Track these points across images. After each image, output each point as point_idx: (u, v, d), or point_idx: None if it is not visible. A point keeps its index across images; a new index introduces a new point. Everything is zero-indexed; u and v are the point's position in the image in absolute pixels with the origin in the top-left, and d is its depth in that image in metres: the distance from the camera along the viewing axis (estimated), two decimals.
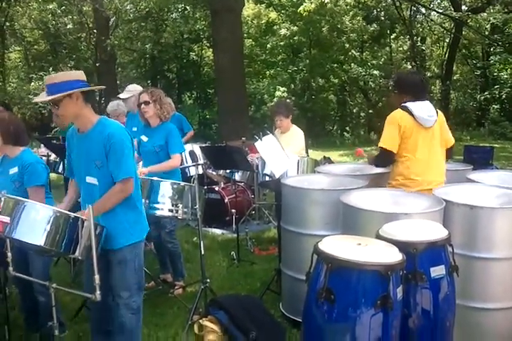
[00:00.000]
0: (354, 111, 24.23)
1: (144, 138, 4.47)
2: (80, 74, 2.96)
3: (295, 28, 20.54)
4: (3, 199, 2.77)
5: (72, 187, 3.23)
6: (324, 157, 8.22)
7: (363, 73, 20.18)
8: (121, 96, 5.75)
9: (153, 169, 4.17)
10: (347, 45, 21.64)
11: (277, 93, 21.64)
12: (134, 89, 5.73)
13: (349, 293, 2.37)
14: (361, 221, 3.18)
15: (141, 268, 3.15)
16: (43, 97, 2.90)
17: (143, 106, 4.36)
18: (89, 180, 2.99)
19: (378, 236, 2.70)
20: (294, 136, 5.54)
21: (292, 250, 3.81)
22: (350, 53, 21.66)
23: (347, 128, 23.25)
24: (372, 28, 21.69)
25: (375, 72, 20.40)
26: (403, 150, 3.78)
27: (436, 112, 3.79)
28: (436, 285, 2.63)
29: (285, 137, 5.47)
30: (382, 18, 21.58)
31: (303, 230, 3.69)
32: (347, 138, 20.90)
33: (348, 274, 2.37)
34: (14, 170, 3.43)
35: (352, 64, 21.03)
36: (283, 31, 20.79)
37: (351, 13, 20.84)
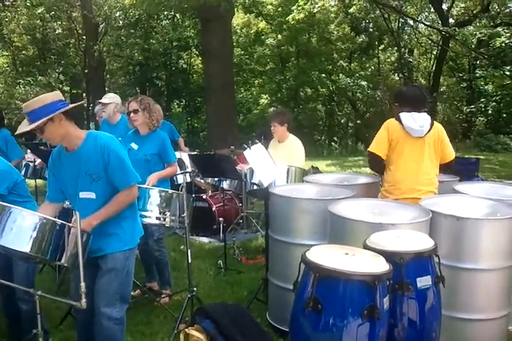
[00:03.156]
0: (342, 121, 24.38)
1: (134, 146, 4.45)
2: (55, 95, 2.90)
3: (283, 38, 20.70)
4: None
5: (45, 210, 3.05)
6: (312, 166, 8.25)
7: (351, 84, 20.36)
8: (102, 101, 5.77)
9: (161, 175, 4.24)
10: (335, 55, 21.84)
11: (261, 101, 21.78)
12: (114, 96, 5.79)
13: (336, 302, 2.38)
14: (349, 231, 3.19)
15: (129, 278, 3.12)
16: (25, 126, 2.83)
17: (132, 114, 4.36)
18: (84, 195, 2.96)
19: (365, 246, 2.72)
20: (294, 147, 5.50)
21: (280, 259, 3.81)
22: (338, 63, 21.85)
23: (335, 138, 23.38)
24: (360, 39, 21.92)
25: (363, 82, 20.61)
26: (390, 158, 3.89)
27: (432, 125, 3.84)
28: (423, 295, 2.65)
29: (282, 147, 5.49)
30: (371, 30, 21.83)
31: (291, 239, 3.69)
32: (335, 148, 21.01)
33: (336, 284, 2.38)
34: None
35: (340, 74, 21.20)
36: (271, 40, 20.95)
37: (337, 20, 21.04)
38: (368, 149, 3.97)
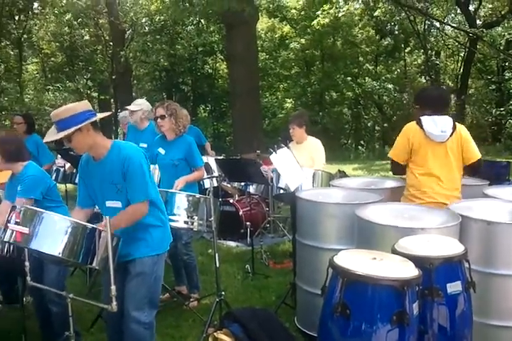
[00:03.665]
0: (369, 124, 24.23)
1: (162, 151, 4.50)
2: (84, 105, 2.94)
3: (307, 41, 20.69)
4: (22, 210, 2.81)
5: (77, 215, 3.10)
6: (339, 170, 8.21)
7: (377, 87, 20.22)
8: (129, 107, 5.72)
9: (188, 179, 4.28)
10: (361, 59, 21.73)
11: (286, 105, 21.77)
12: (142, 103, 5.76)
13: (365, 307, 2.37)
14: (377, 235, 3.16)
15: (158, 284, 3.15)
16: (54, 135, 2.88)
17: (159, 120, 4.40)
18: (110, 204, 3.01)
19: (394, 251, 2.69)
20: (314, 148, 5.56)
21: (307, 264, 3.81)
22: (364, 67, 21.73)
23: (361, 141, 23.23)
24: (386, 42, 21.77)
25: (390, 85, 20.44)
26: (413, 163, 3.82)
27: (454, 128, 3.77)
28: (453, 301, 2.61)
29: (301, 148, 5.52)
30: (396, 32, 21.66)
31: (318, 244, 3.68)
32: (361, 151, 20.88)
33: (364, 289, 2.36)
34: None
35: (366, 77, 21.08)
36: (295, 44, 20.96)
37: (361, 23, 20.94)
38: (389, 155, 3.97)
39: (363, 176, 10.16)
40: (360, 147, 22.27)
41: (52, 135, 2.91)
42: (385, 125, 22.36)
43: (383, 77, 21.20)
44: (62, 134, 2.81)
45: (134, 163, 2.91)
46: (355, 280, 2.37)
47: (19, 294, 3.63)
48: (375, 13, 18.97)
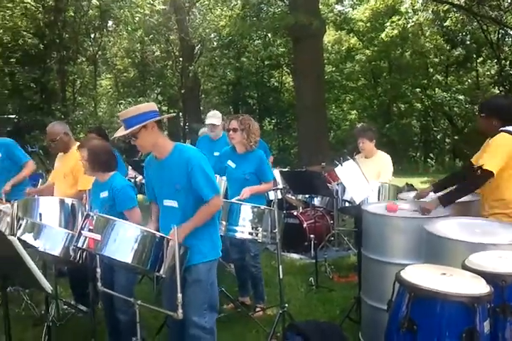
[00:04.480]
0: (438, 137, 23.52)
1: (232, 164, 4.51)
2: (150, 105, 3.16)
3: (373, 53, 20.48)
4: (95, 217, 2.94)
5: (154, 208, 3.36)
6: (407, 184, 8.03)
7: (448, 98, 19.66)
8: (213, 122, 5.83)
9: (253, 191, 4.29)
10: (430, 70, 21.22)
11: (350, 116, 21.53)
12: (220, 115, 5.90)
13: (433, 324, 2.30)
14: (446, 250, 3.06)
15: (214, 288, 3.21)
16: (121, 132, 3.09)
17: (231, 132, 4.42)
18: (168, 203, 3.14)
19: (464, 267, 2.60)
20: (383, 163, 5.45)
21: (373, 278, 3.73)
22: (433, 78, 21.21)
23: (431, 154, 22.59)
24: (457, 52, 21.17)
25: (461, 96, 19.83)
26: (503, 177, 3.62)
27: None
28: None
29: (370, 162, 5.41)
30: (468, 42, 21.03)
31: (384, 258, 3.60)
32: (431, 164, 20.30)
33: (432, 304, 2.30)
34: (104, 194, 3.62)
35: (436, 89, 20.55)
36: (361, 56, 20.78)
37: (427, 32, 20.46)
38: (485, 167, 3.57)
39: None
40: (429, 160, 21.65)
41: (120, 132, 3.11)
42: (456, 137, 21.64)
43: (454, 88, 20.60)
44: (129, 130, 3.01)
45: (197, 163, 3.04)
46: (424, 295, 2.31)
47: (90, 300, 3.77)
48: (446, 23, 18.52)
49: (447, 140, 23.34)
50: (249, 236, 3.94)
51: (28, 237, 3.45)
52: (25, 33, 18.52)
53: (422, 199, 4.14)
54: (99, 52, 20.72)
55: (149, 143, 3.10)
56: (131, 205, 3.61)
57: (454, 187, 3.93)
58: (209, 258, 3.15)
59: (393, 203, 3.77)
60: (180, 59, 21.37)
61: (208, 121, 5.87)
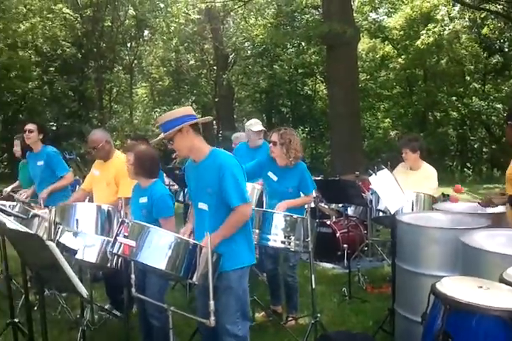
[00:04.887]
0: (475, 146, 23.03)
1: (273, 177, 4.44)
2: (186, 110, 3.22)
3: (408, 61, 20.25)
4: (130, 224, 2.99)
5: (192, 209, 3.42)
6: (443, 194, 7.87)
7: (485, 107, 19.27)
8: (253, 128, 5.87)
9: (290, 204, 4.24)
10: (467, 78, 20.85)
11: (383, 124, 21.30)
12: (260, 122, 5.96)
13: (469, 338, 2.25)
14: (483, 263, 2.99)
15: (245, 296, 3.22)
16: (158, 136, 3.18)
17: (271, 144, 4.40)
18: (201, 206, 3.19)
19: (502, 280, 2.54)
20: (427, 176, 5.20)
21: (407, 290, 3.68)
22: (470, 86, 20.82)
23: (468, 164, 22.13)
24: (495, 60, 20.76)
25: (499, 105, 19.41)
26: None
27: None
28: None
29: (415, 174, 5.23)
30: (506, 49, 20.60)
31: (419, 269, 3.55)
32: (468, 174, 19.90)
33: (468, 318, 2.24)
34: (144, 200, 3.68)
35: (473, 97, 20.18)
36: (394, 64, 20.56)
37: (463, 39, 20.11)
38: None
39: (469, 200, 9.67)
40: (466, 169, 21.21)
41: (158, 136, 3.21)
42: (494, 146, 21.16)
43: (492, 97, 20.18)
44: (165, 134, 3.08)
45: (229, 170, 3.06)
46: (460, 308, 2.26)
47: (124, 305, 3.81)
48: (483, 30, 18.20)
49: (485, 149, 22.82)
50: (282, 245, 3.93)
51: (67, 241, 3.52)
52: (64, 42, 19.09)
53: (488, 209, 4.05)
54: (135, 61, 21.14)
55: (185, 147, 3.14)
56: (167, 214, 3.65)
57: None
58: (240, 266, 3.15)
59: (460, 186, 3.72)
60: (215, 67, 21.61)
61: (255, 128, 5.86)
